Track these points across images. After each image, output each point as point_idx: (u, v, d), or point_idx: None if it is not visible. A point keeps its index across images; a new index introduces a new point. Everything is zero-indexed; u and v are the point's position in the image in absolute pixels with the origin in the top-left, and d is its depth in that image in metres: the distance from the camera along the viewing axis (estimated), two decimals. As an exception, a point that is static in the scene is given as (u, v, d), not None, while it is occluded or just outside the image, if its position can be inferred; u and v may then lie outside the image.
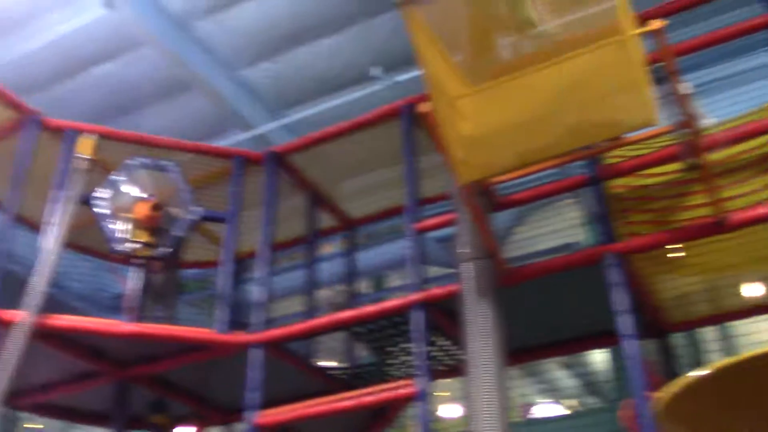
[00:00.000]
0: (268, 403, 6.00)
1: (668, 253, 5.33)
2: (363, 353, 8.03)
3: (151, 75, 10.48)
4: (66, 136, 6.75)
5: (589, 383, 15.58)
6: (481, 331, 4.72)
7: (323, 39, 9.81)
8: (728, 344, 10.02)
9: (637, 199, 5.36)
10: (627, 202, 5.38)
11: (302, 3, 9.44)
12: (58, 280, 12.02)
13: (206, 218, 6.83)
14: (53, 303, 6.34)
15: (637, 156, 5.30)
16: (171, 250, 6.43)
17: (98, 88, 10.72)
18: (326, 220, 8.03)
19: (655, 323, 6.10)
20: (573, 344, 6.58)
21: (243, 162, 7.10)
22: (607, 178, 5.40)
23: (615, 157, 5.45)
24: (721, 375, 2.57)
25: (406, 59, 9.75)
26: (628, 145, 5.00)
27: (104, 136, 6.90)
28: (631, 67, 3.86)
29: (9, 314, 5.90)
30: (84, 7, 9.30)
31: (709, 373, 2.62)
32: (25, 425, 14.83)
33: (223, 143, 10.93)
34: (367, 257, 11.31)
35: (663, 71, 4.01)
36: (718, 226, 4.84)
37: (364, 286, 13.88)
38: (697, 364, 10.01)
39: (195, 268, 9.02)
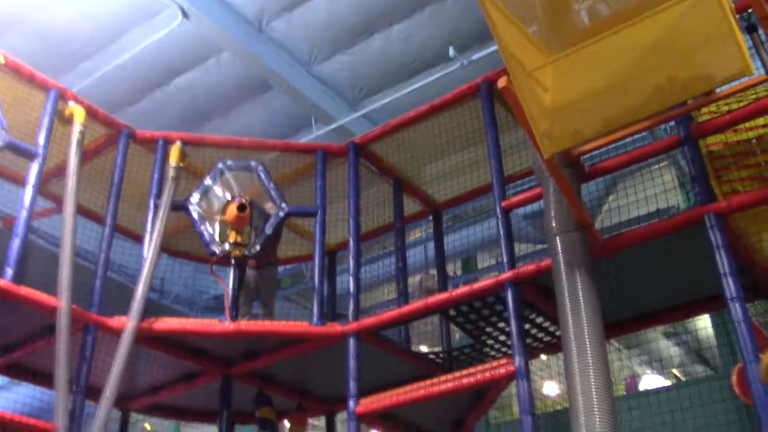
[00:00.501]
0: (368, 391, 6.05)
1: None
2: (459, 336, 7.99)
3: (232, 79, 10.67)
4: (157, 146, 6.97)
5: (695, 351, 15.07)
6: (575, 305, 4.59)
7: (395, 25, 9.76)
8: None
9: (735, 156, 5.09)
10: (724, 159, 5.12)
11: (371, -9, 9.42)
12: (158, 286, 12.51)
13: (295, 213, 6.92)
14: (156, 308, 6.57)
15: (732, 110, 5.04)
16: (263, 247, 6.54)
17: (183, 97, 10.99)
18: (413, 206, 8.01)
19: (762, 283, 5.81)
20: (676, 311, 6.35)
21: (325, 155, 7.15)
22: (701, 136, 5.15)
23: (708, 113, 5.21)
24: None
25: (481, 37, 9.59)
26: (721, 100, 4.77)
27: (192, 143, 7.09)
28: (719, 16, 3.65)
29: (115, 321, 6.14)
30: (163, 19, 9.55)
31: None
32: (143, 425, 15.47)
33: (306, 139, 11.05)
34: (456, 239, 11.24)
35: (753, 18, 3.78)
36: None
37: (455, 268, 13.83)
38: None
39: (288, 263, 9.17)
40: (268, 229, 6.57)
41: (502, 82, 4.15)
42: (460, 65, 9.65)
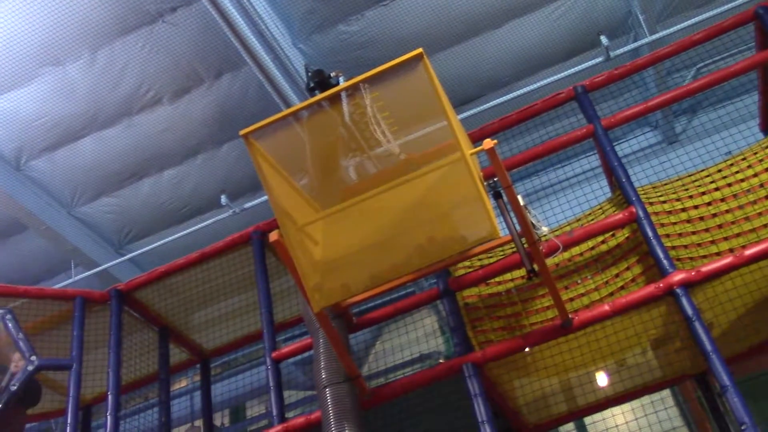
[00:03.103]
0: None
1: (522, 357, 5.47)
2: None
3: (-20, 216, 9.93)
4: None
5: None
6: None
7: (166, 170, 9.72)
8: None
9: (488, 307, 5.51)
10: (479, 311, 5.53)
11: (141, 137, 9.36)
12: None
13: (47, 367, 6.35)
14: None
15: (485, 265, 5.49)
16: (5, 405, 5.88)
17: None
18: (179, 354, 7.69)
19: (516, 427, 6.17)
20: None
21: (85, 302, 6.72)
22: (458, 289, 5.53)
23: (464, 267, 5.63)
24: None
25: (253, 185, 9.79)
26: (475, 256, 5.18)
27: (-72, 286, 6.38)
28: (470, 182, 4.04)
29: None
30: None
31: None
32: None
33: (65, 283, 10.36)
34: (225, 388, 10.87)
35: (498, 185, 4.22)
36: (564, 328, 5.04)
37: (222, 418, 13.28)
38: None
39: (36, 420, 8.30)
40: (13, 386, 5.94)
41: (273, 236, 4.23)
42: (232, 213, 9.71)
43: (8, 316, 6.19)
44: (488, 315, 5.49)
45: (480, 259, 5.55)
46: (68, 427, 6.08)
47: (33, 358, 6.06)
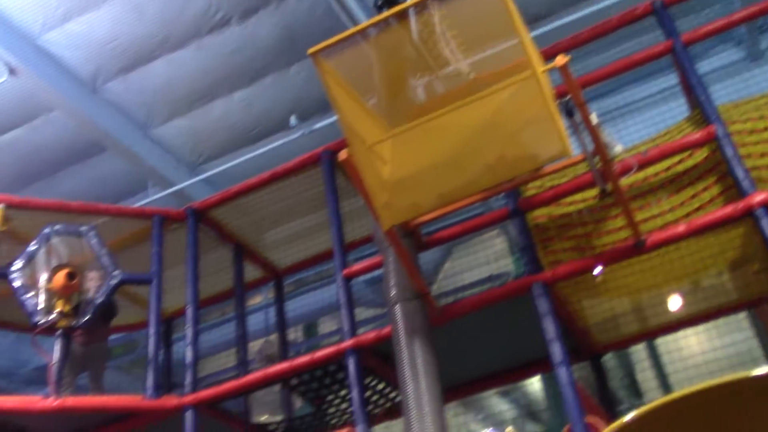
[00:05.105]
0: (206, 466, 5.83)
1: (593, 277, 5.44)
2: (300, 404, 7.90)
3: (63, 139, 10.22)
4: (-25, 208, 6.51)
5: (529, 411, 15.68)
6: (414, 371, 4.69)
7: (236, 92, 9.79)
8: (659, 361, 10.25)
9: (559, 228, 5.46)
10: (549, 231, 5.48)
11: (212, 58, 9.43)
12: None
13: (128, 281, 6.63)
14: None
15: (555, 185, 5.42)
16: (92, 317, 6.20)
17: (7, 156, 10.40)
18: (254, 271, 7.92)
19: (586, 346, 6.19)
20: (509, 374, 6.61)
21: (162, 220, 6.96)
22: (528, 209, 5.49)
23: (534, 188, 5.57)
24: (647, 418, 2.56)
25: (322, 106, 9.81)
26: (546, 176, 5.11)
27: (16, 206, 6.68)
28: (541, 101, 3.96)
29: None
30: (-14, 75, 9.09)
31: (635, 418, 2.61)
32: None
33: (142, 203, 10.70)
34: (298, 305, 11.20)
35: (571, 103, 4.12)
36: (636, 248, 4.97)
37: (296, 335, 13.73)
38: (630, 383, 10.23)
39: (121, 331, 8.75)
40: (99, 298, 6.25)
41: (342, 155, 4.25)
42: (301, 134, 9.78)
43: (92, 233, 6.45)
44: (559, 235, 5.44)
45: (551, 179, 5.47)
46: (151, 338, 6.38)
47: (116, 272, 6.33)
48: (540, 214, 5.53)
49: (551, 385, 11.21)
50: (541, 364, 6.12)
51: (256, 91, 9.87)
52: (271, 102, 9.98)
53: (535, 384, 13.52)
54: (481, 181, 4.26)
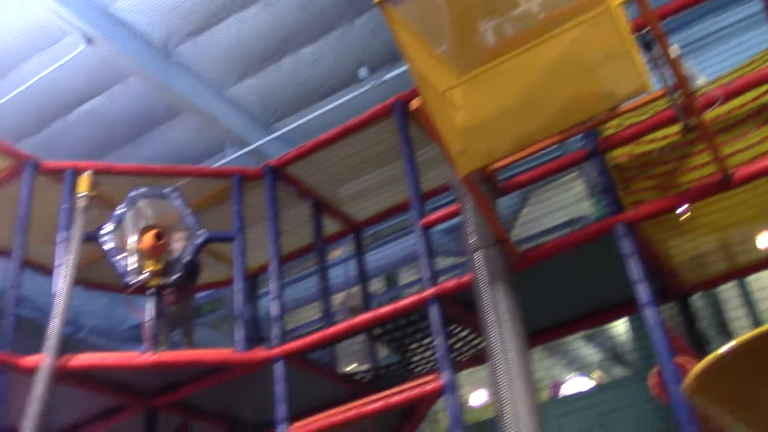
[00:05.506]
0: (297, 415, 6.00)
1: (677, 216, 5.29)
2: (385, 353, 8.04)
3: (140, 104, 10.47)
4: (64, 176, 6.77)
5: (615, 354, 15.54)
6: (497, 317, 4.70)
7: (304, 47, 9.80)
8: (749, 299, 9.96)
9: (640, 167, 5.32)
10: (630, 170, 5.34)
11: (278, 15, 9.44)
12: (74, 319, 12.10)
13: (212, 239, 6.82)
14: (72, 343, 6.36)
15: (635, 123, 5.26)
16: (181, 275, 6.42)
17: (89, 124, 10.72)
18: (332, 226, 8.02)
19: (673, 287, 6.07)
20: (594, 317, 6.55)
21: (241, 179, 7.10)
22: (608, 150, 5.36)
23: (613, 127, 5.42)
24: (745, 349, 2.48)
25: (391, 57, 9.73)
26: (625, 114, 4.97)
27: (102, 171, 6.91)
28: (617, 36, 3.82)
29: (29, 360, 5.91)
30: (65, 46, 9.32)
31: (730, 350, 2.53)
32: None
33: (219, 164, 10.92)
34: (378, 256, 11.30)
35: (649, 36, 3.97)
36: (723, 184, 4.81)
37: (377, 286, 13.89)
38: (720, 323, 9.98)
39: (208, 289, 9.03)
40: (187, 256, 6.46)
41: (414, 104, 4.23)
42: (371, 86, 9.75)
43: (175, 194, 6.64)
44: (640, 174, 5.30)
45: (630, 117, 5.31)
46: (238, 293, 6.57)
47: (201, 231, 6.52)
48: (620, 154, 5.39)
49: (638, 327, 11.04)
50: (627, 306, 6.02)
51: (324, 46, 9.86)
52: (340, 55, 9.96)
53: (620, 327, 13.34)
54: (556, 123, 4.17)
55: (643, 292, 4.80)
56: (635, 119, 5.27)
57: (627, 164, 5.35)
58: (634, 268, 4.88)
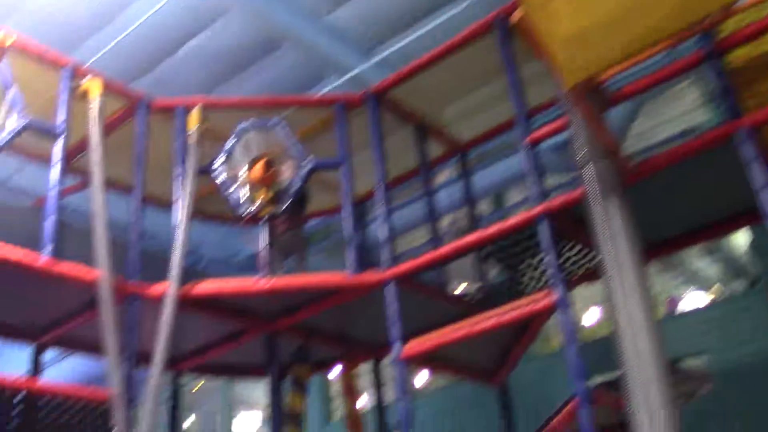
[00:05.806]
0: (410, 335, 6.12)
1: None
2: (494, 273, 8.05)
3: (241, 38, 10.56)
4: (175, 113, 7.00)
5: (734, 267, 15.00)
6: (611, 232, 4.60)
7: (401, -32, 9.61)
8: None
9: (761, 68, 4.99)
10: (750, 72, 5.02)
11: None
12: (193, 251, 12.66)
13: (319, 167, 6.92)
14: (192, 273, 6.68)
15: (754, 21, 4.91)
16: (291, 203, 6.59)
17: (195, 61, 10.93)
18: (437, 148, 7.98)
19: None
20: (712, 229, 6.30)
21: (344, 107, 7.13)
22: (725, 52, 5.04)
23: (730, 27, 5.08)
24: None
25: (490, -30, 9.39)
26: (742, 12, 4.65)
27: (210, 107, 7.10)
28: (734, -74, 3.56)
29: (156, 289, 6.26)
30: (166, -16, 9.50)
31: None
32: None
33: (323, 92, 10.96)
34: (484, 177, 11.19)
35: None
36: None
37: (485, 207, 13.81)
38: None
39: (318, 216, 9.22)
40: (296, 184, 6.60)
41: (516, 16, 4.09)
42: (468, 3, 9.47)
43: (281, 125, 6.76)
44: (762, 76, 4.97)
45: (748, 15, 4.96)
46: (347, 219, 6.69)
47: (307, 159, 6.63)
48: (738, 56, 5.07)
49: (760, 237, 10.56)
50: (748, 216, 5.75)
51: (420, -35, 9.62)
52: (437, -28, 9.70)
53: (739, 239, 12.81)
54: (668, 25, 3.95)
55: (766, 199, 4.56)
56: (754, 16, 4.92)
57: (746, 66, 5.02)
58: (757, 175, 4.63)
